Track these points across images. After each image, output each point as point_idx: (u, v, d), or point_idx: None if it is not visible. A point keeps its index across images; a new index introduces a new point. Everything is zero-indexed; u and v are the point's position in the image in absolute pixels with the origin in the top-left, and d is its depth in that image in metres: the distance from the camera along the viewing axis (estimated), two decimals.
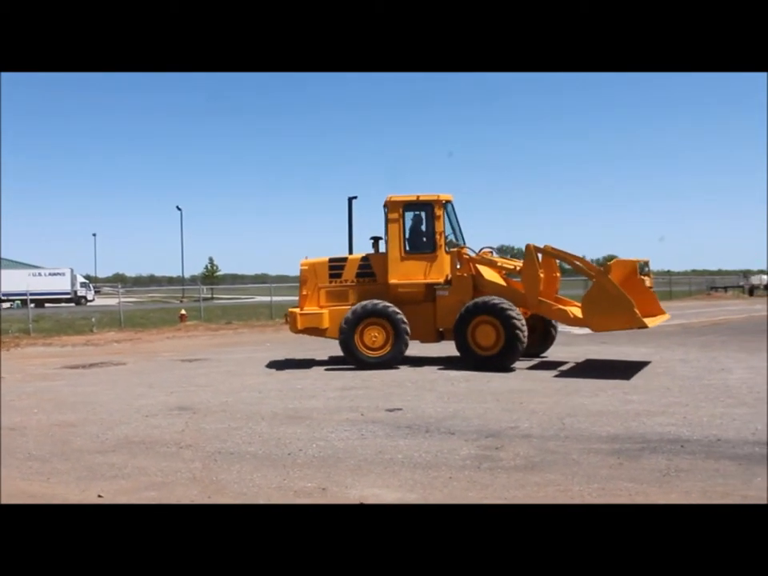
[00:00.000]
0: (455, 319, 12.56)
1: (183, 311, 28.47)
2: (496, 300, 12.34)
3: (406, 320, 12.96)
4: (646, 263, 13.06)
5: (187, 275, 77.12)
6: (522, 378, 11.38)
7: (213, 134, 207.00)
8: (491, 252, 14.12)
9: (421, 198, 13.71)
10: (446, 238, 13.67)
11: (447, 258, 13.55)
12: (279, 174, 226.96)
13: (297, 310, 13.94)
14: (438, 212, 13.48)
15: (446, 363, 13.33)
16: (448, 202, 13.74)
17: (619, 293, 11.44)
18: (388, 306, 13.03)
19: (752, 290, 52.43)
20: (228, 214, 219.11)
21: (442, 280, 13.43)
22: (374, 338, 13.01)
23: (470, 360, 12.49)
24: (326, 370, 13.11)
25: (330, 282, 13.99)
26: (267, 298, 31.64)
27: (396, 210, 13.68)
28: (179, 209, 67.57)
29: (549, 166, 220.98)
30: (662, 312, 13.03)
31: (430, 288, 13.50)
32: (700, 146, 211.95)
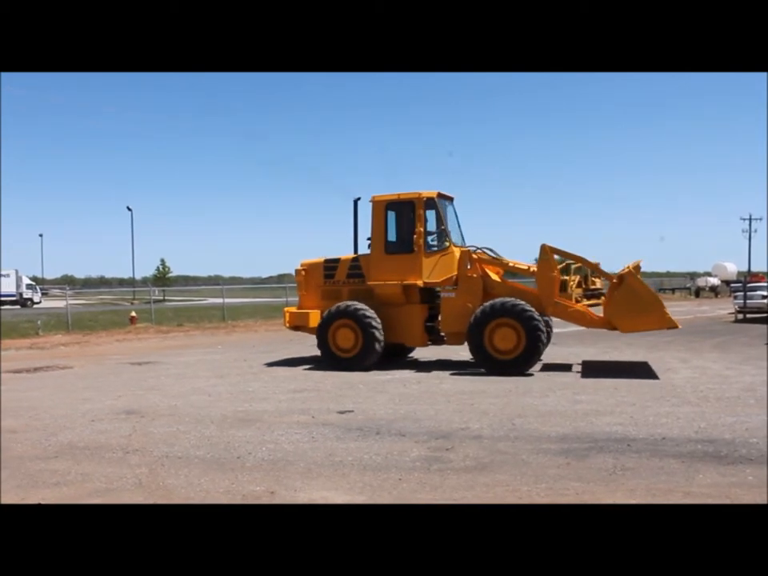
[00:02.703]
0: (469, 322, 12.06)
1: (133, 313, 27.94)
2: (517, 302, 11.90)
3: (376, 322, 12.80)
4: (638, 266, 13.20)
5: (138, 277, 75.94)
6: (474, 379, 11.43)
7: (163, 133, 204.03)
8: (484, 252, 13.48)
9: (402, 197, 13.37)
10: (438, 235, 13.33)
11: (429, 259, 13.09)
12: (234, 174, 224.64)
13: (290, 309, 14.75)
14: (419, 211, 13.01)
15: (428, 366, 13.35)
16: (430, 199, 13.12)
17: (650, 293, 11.51)
18: (358, 308, 12.94)
19: (698, 292, 53.95)
20: (180, 214, 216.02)
21: (420, 282, 13.01)
22: (345, 338, 13.03)
23: (485, 364, 12.07)
24: (274, 367, 13.03)
25: (325, 282, 14.21)
26: (220, 300, 31.26)
27: (378, 210, 13.45)
28: (129, 209, 66.45)
29: (531, 165, 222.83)
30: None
31: (412, 289, 13.16)
32: (683, 146, 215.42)
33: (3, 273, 53.57)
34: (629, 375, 11.42)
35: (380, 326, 12.84)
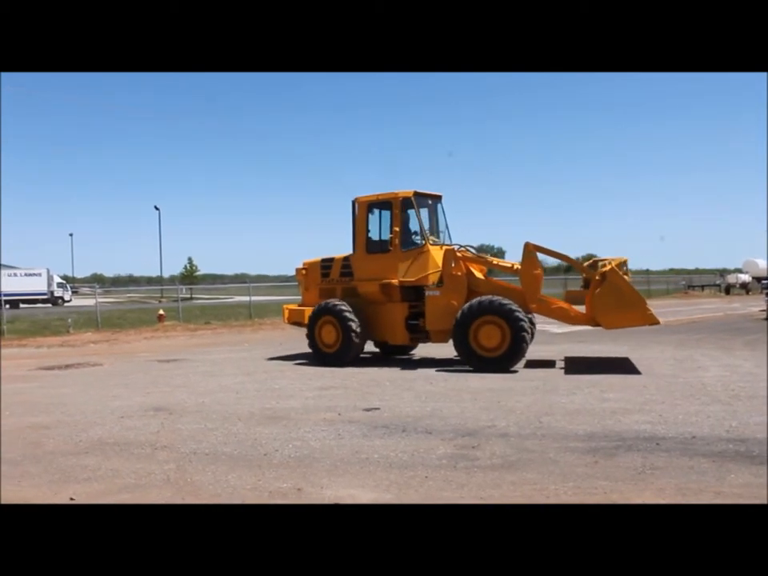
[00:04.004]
0: (455, 319, 12.19)
1: (161, 311, 28.21)
2: (502, 300, 11.98)
3: (353, 320, 13.21)
4: (624, 262, 13.15)
5: (166, 275, 76.75)
6: (500, 376, 11.37)
7: (191, 134, 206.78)
8: (467, 250, 13.68)
9: (380, 197, 13.74)
10: (414, 235, 13.56)
11: (405, 258, 13.38)
12: (260, 174, 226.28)
13: (289, 306, 15.70)
14: (396, 210, 13.34)
15: (432, 364, 13.33)
16: (406, 198, 13.38)
17: (632, 290, 11.59)
18: (338, 306, 13.41)
19: (728, 289, 53.08)
20: (207, 213, 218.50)
21: (395, 281, 13.28)
22: (329, 335, 13.54)
23: (471, 362, 12.15)
24: (303, 365, 13.08)
25: (322, 281, 14.75)
26: (246, 298, 31.47)
27: (361, 210, 13.87)
28: (157, 208, 67.23)
29: (541, 165, 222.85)
30: None
31: (392, 288, 13.39)
32: (689, 146, 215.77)
33: (35, 272, 54.50)
34: (613, 371, 11.56)
35: (357, 323, 13.25)
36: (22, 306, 49.58)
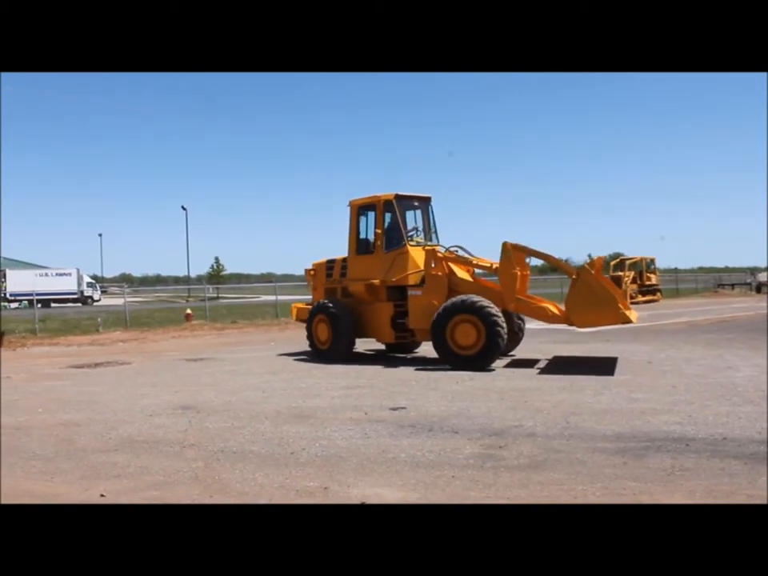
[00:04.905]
0: (432, 318, 12.49)
1: (189, 311, 28.49)
2: (476, 299, 12.22)
3: (341, 317, 13.87)
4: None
5: (193, 275, 77.50)
6: (527, 376, 11.32)
7: (217, 135, 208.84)
8: (455, 251, 13.91)
9: (366, 200, 14.24)
10: (394, 236, 13.85)
11: (386, 259, 13.78)
12: (285, 174, 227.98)
13: (297, 305, 16.62)
14: (378, 213, 13.85)
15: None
16: (388, 201, 13.85)
17: (603, 289, 11.57)
18: (328, 305, 14.13)
19: (759, 288, 52.06)
20: (234, 213, 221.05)
21: (377, 281, 13.70)
22: (322, 332, 14.31)
23: (448, 360, 12.43)
24: (329, 365, 13.12)
25: (326, 281, 15.37)
26: (272, 298, 31.64)
27: (352, 213, 14.47)
28: (184, 209, 67.86)
29: (549, 166, 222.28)
30: (629, 309, 13.07)
31: (377, 288, 13.82)
32: (703, 145, 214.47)
33: (66, 272, 55.36)
34: (590, 372, 11.47)
35: (344, 321, 13.93)
36: (53, 305, 50.41)
